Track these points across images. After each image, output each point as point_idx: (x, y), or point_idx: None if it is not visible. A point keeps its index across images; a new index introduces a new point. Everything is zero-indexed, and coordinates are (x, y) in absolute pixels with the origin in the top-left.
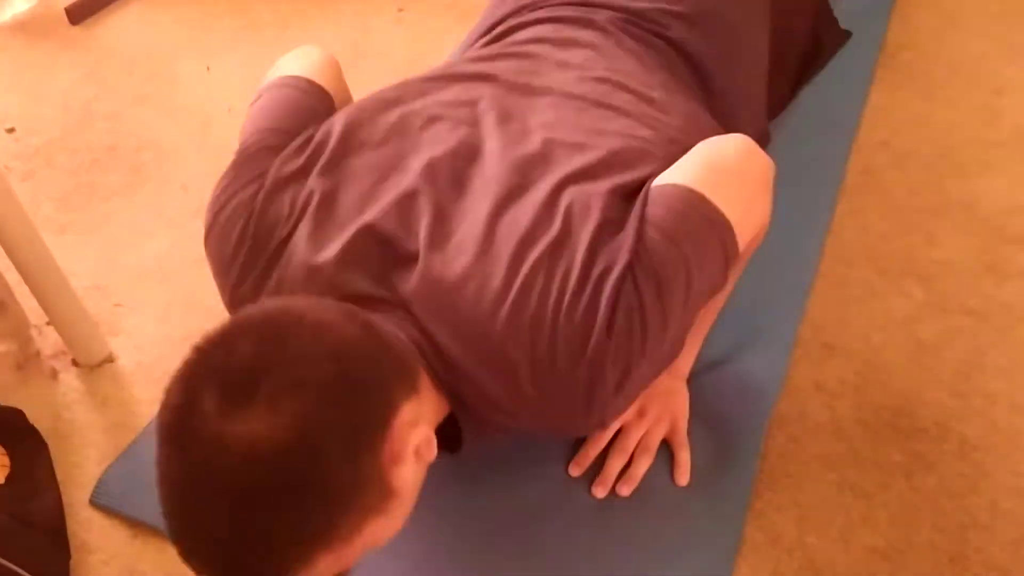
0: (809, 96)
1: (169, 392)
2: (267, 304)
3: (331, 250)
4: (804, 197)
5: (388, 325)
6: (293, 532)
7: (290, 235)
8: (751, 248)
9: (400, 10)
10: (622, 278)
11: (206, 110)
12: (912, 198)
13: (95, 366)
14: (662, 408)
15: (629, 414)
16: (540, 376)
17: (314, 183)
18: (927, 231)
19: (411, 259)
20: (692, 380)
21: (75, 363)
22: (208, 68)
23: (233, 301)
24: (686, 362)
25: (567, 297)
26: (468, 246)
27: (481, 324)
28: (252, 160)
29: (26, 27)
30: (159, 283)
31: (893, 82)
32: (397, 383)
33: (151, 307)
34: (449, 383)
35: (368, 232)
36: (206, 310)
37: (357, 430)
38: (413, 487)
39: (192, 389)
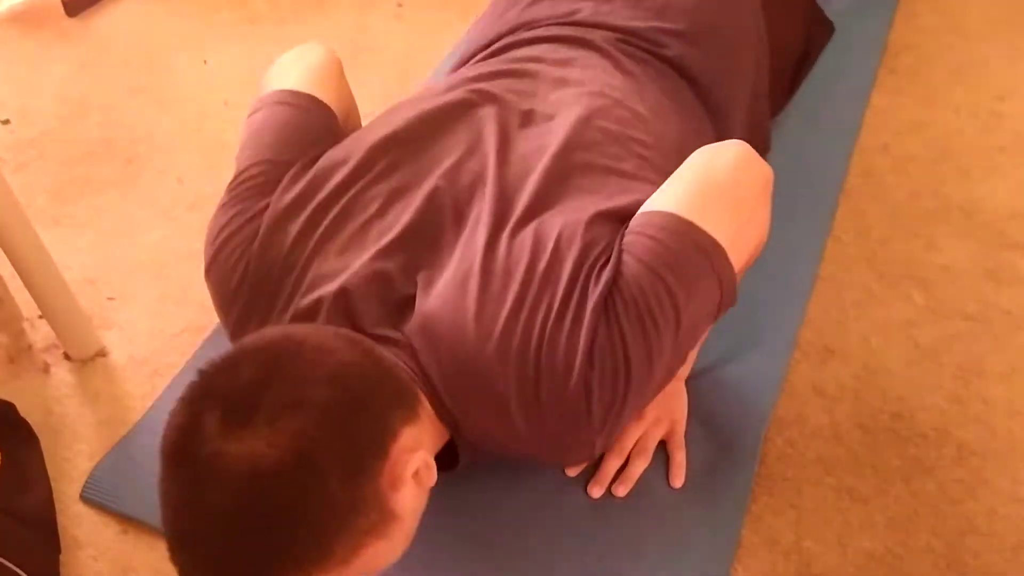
0: (810, 99)
1: (173, 414)
2: (269, 331)
3: (334, 285)
4: (804, 200)
5: (390, 355)
6: (289, 552)
7: (292, 268)
8: (749, 262)
9: (399, 4)
10: (600, 309)
11: (202, 103)
12: (913, 202)
13: (87, 360)
14: (661, 410)
15: None
16: (527, 410)
17: (315, 215)
18: (927, 236)
19: (411, 299)
20: (691, 382)
21: (67, 357)
22: (205, 61)
23: (235, 334)
24: (684, 365)
25: (548, 330)
26: (460, 282)
27: (470, 360)
28: (249, 194)
29: (22, 18)
30: (152, 277)
31: (894, 86)
32: (397, 408)
33: (144, 301)
34: (446, 413)
35: (371, 274)
36: (199, 304)
37: (355, 452)
38: (413, 511)
39: (195, 411)
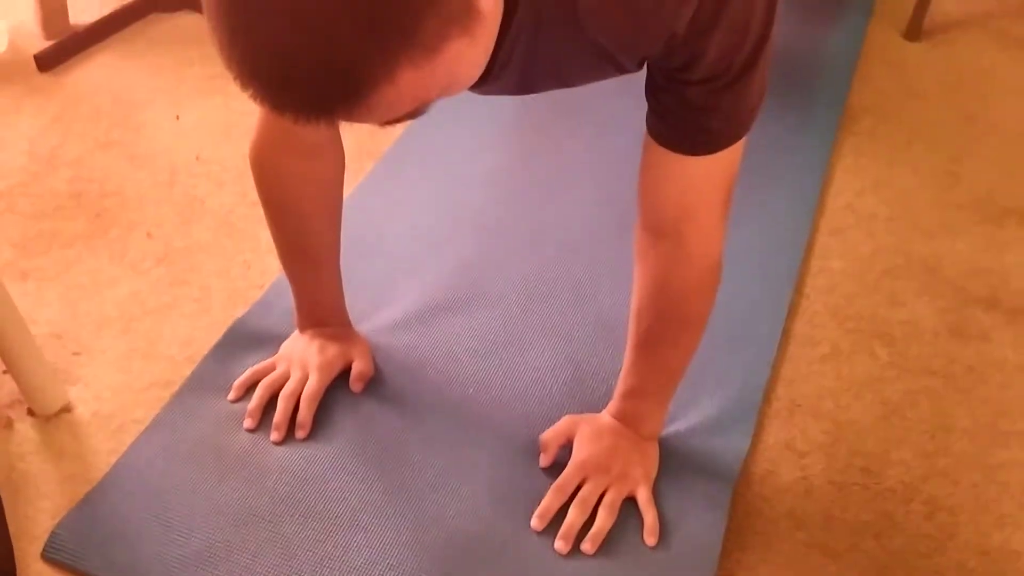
0: (775, 160)
1: None
2: None
3: None
4: (771, 257)
5: None
6: (373, 24)
7: None
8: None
9: None
10: None
11: (173, 158)
12: (876, 259)
13: (52, 416)
14: (625, 464)
15: (590, 468)
16: None
17: None
18: (891, 292)
19: None
20: (661, 437)
21: (31, 412)
22: (178, 116)
23: None
24: (655, 423)
25: None
26: None
27: None
28: None
29: None
30: (120, 331)
31: (856, 146)
32: None
33: (111, 356)
34: None
35: None
36: (167, 359)
37: None
38: (494, 15)
39: None
